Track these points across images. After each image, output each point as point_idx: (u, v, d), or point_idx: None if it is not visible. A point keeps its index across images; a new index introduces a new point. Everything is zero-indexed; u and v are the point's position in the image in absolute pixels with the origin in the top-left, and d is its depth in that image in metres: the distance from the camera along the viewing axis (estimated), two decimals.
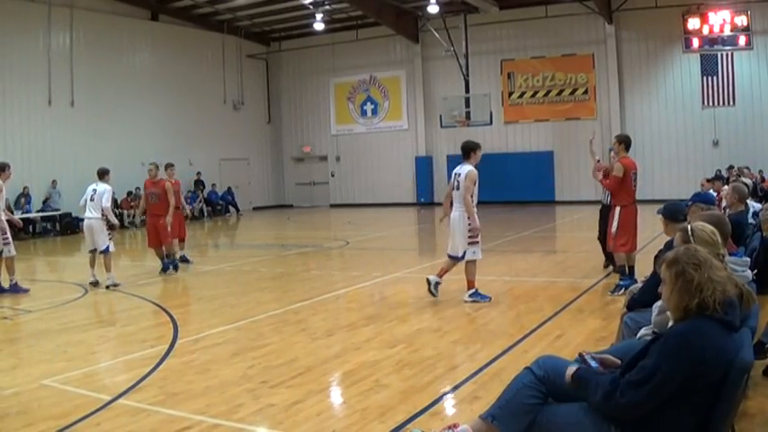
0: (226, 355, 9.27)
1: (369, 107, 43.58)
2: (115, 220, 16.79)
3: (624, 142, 13.32)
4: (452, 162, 39.31)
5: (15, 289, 15.08)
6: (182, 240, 19.37)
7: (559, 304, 11.71)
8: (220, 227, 34.18)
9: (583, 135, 36.04)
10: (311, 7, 37.53)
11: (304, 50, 44.68)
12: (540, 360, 4.97)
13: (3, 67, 30.82)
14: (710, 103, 34.43)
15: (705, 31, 34.01)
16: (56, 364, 9.02)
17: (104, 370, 8.81)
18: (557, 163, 37.61)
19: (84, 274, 16.45)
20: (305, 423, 6.64)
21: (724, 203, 12.35)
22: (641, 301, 6.80)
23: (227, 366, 8.66)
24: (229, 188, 41.42)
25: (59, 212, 31.78)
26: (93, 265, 16.04)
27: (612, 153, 13.92)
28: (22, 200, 30.27)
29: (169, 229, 17.43)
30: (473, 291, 12.36)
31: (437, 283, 12.81)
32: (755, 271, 6.53)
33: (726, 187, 14.35)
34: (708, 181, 19.97)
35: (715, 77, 34.20)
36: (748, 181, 18.85)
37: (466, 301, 12.29)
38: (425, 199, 41.01)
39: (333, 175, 44.83)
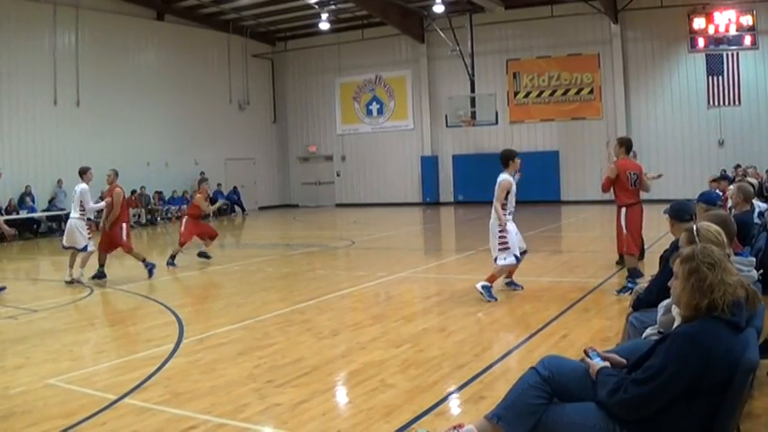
0: (231, 354, 9.28)
1: (374, 107, 43.55)
2: (98, 206, 16.78)
3: (625, 144, 13.40)
4: (458, 162, 39.52)
5: None
6: (212, 238, 19.90)
7: (565, 304, 11.70)
8: (226, 226, 34.17)
9: (588, 135, 36.12)
10: (317, 7, 37.52)
11: (309, 50, 44.70)
12: (546, 360, 4.97)
13: (8, 66, 30.85)
14: (716, 103, 34.37)
15: (711, 30, 33.94)
16: (61, 363, 9.04)
17: (110, 369, 8.80)
18: (562, 163, 37.57)
19: (89, 274, 16.48)
20: (310, 422, 6.64)
21: (729, 203, 12.35)
22: (647, 301, 6.81)
23: (233, 366, 8.67)
24: (235, 188, 41.43)
25: (65, 212, 31.77)
26: (71, 264, 16.05)
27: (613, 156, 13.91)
28: (27, 199, 30.31)
29: (124, 236, 16.84)
30: (487, 284, 12.35)
31: (509, 283, 13.06)
32: (761, 271, 6.51)
33: (731, 187, 14.35)
34: (713, 181, 19.93)
35: (720, 77, 34.14)
36: (754, 181, 18.83)
37: (476, 287, 12.36)
38: (431, 198, 41.00)
39: (338, 175, 44.81)
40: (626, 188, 13.09)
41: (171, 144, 37.24)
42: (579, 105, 37.48)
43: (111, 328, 11.67)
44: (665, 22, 34.65)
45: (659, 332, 5.80)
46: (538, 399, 4.74)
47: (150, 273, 16.71)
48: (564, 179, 37.54)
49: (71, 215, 16.41)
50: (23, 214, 29.78)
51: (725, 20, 33.61)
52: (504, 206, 12.47)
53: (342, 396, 7.77)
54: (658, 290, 6.42)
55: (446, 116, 38.78)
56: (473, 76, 37.14)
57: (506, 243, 12.40)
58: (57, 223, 30.60)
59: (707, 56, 34.30)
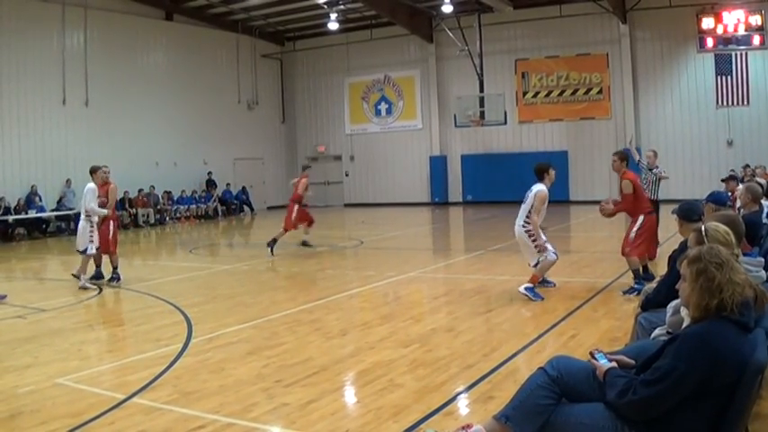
0: (240, 354, 9.29)
1: (383, 107, 43.55)
2: (101, 212, 16.29)
3: (625, 158, 13.49)
4: (466, 162, 39.51)
5: None
6: (309, 225, 21.62)
7: (574, 304, 11.69)
8: (235, 226, 34.22)
9: (597, 135, 36.08)
10: (325, 7, 37.54)
11: (318, 50, 44.69)
12: (554, 360, 4.98)
13: (17, 66, 30.92)
14: (725, 103, 34.30)
15: (719, 30, 33.84)
16: (70, 362, 9.06)
17: (118, 369, 8.82)
18: (571, 163, 37.48)
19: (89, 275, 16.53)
20: (319, 422, 6.65)
21: (738, 203, 12.35)
22: (656, 302, 6.81)
23: (242, 365, 8.68)
24: (244, 188, 41.45)
25: (73, 211, 31.85)
26: (97, 264, 16.10)
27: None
28: (36, 198, 30.37)
29: (111, 235, 16.56)
30: (529, 286, 12.40)
31: (543, 281, 13.02)
32: None
33: (740, 187, 14.34)
34: (722, 180, 19.91)
35: (729, 77, 34.07)
36: (762, 181, 18.73)
37: (519, 292, 12.37)
38: (440, 198, 40.99)
39: (347, 175, 44.81)
40: (642, 196, 13.26)
41: (180, 144, 37.28)
42: (588, 105, 37.42)
43: (119, 328, 11.69)
44: (674, 21, 34.58)
45: (668, 333, 5.80)
46: (546, 399, 4.74)
47: (115, 280, 16.16)
48: (572, 179, 37.45)
49: (81, 216, 16.34)
50: (32, 214, 29.83)
51: (733, 20, 33.52)
52: (529, 214, 12.55)
53: (350, 396, 7.78)
54: (667, 290, 6.41)
55: (455, 116, 38.80)
56: (482, 75, 37.09)
57: (541, 245, 12.45)
58: (66, 223, 30.67)
59: (716, 56, 34.23)
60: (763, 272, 6.10)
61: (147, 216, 34.26)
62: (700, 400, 4.19)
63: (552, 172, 12.85)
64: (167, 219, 35.60)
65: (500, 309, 11.77)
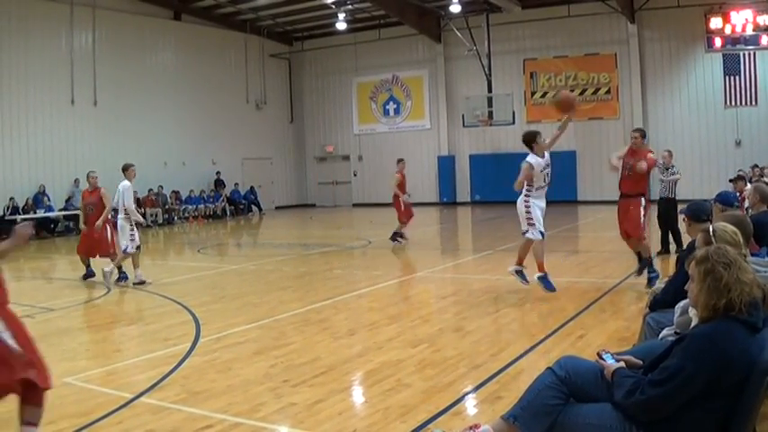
0: (248, 353, 9.30)
1: (391, 107, 43.57)
2: (138, 218, 16.69)
3: (645, 135, 13.84)
4: (475, 161, 39.49)
5: None
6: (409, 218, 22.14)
7: (582, 304, 11.68)
8: (243, 226, 34.27)
9: (606, 135, 36.00)
10: (333, 7, 37.60)
11: (327, 50, 44.73)
12: (562, 360, 4.98)
13: (26, 66, 31.01)
14: (733, 103, 34.24)
15: (727, 30, 33.77)
16: (78, 362, 9.09)
17: (126, 368, 8.85)
18: (579, 163, 37.44)
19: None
20: (327, 422, 6.66)
21: (746, 204, 12.34)
22: (664, 302, 6.79)
23: (250, 365, 8.69)
24: (252, 187, 41.50)
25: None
26: (135, 265, 16.09)
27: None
28: (44, 198, 30.46)
29: (109, 238, 16.87)
30: (541, 275, 12.45)
31: (519, 271, 12.96)
32: None
33: (748, 187, 14.33)
34: (730, 181, 19.88)
35: (737, 77, 34.01)
36: None
37: (535, 280, 12.48)
38: (448, 198, 40.98)
39: (355, 175, 44.82)
40: (644, 177, 13.34)
41: (188, 144, 37.36)
42: (596, 105, 37.36)
43: (128, 327, 11.70)
44: (682, 21, 34.53)
45: (676, 333, 5.79)
46: (554, 399, 4.74)
47: (123, 280, 16.26)
48: (581, 179, 37.44)
49: (118, 216, 16.30)
50: (41, 213, 29.90)
51: (741, 19, 33.45)
52: (530, 185, 12.54)
53: (358, 396, 7.79)
54: (675, 290, 6.40)
55: (463, 116, 38.81)
56: (490, 75, 37.15)
57: (532, 219, 12.47)
58: (74, 222, 30.73)
59: (724, 56, 34.18)
60: None
61: (156, 216, 34.33)
62: (707, 401, 4.18)
63: (540, 140, 12.80)
64: (176, 218, 35.67)
65: (508, 309, 11.78)
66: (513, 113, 36.81)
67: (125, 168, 16.56)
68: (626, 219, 13.42)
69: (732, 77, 34.12)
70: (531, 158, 12.59)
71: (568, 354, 5.68)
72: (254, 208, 40.93)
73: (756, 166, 27.26)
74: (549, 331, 9.89)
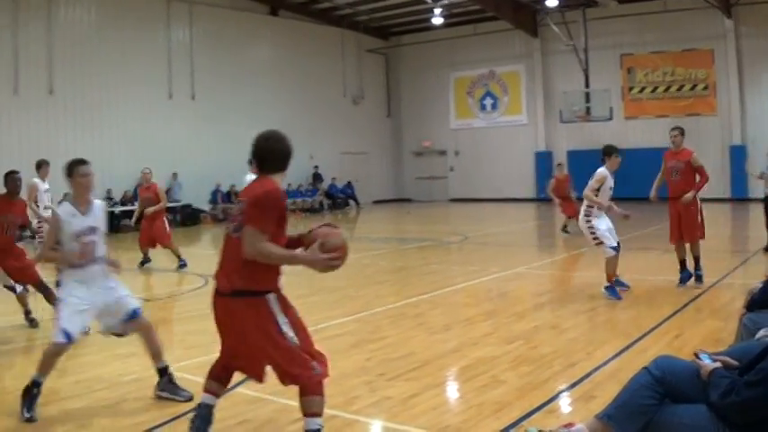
0: (344, 346, 9.38)
1: (488, 102, 43.40)
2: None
3: (684, 133, 13.76)
4: (573, 157, 39.07)
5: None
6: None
7: (678, 304, 11.52)
8: (340, 220, 34.46)
9: (703, 131, 35.30)
10: (430, 1, 37.61)
11: (423, 45, 44.72)
12: (658, 360, 4.96)
13: (124, 61, 31.69)
14: None
15: None
16: (174, 352, 9.14)
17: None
18: None
19: (204, 266, 16.77)
20: (421, 417, 6.68)
21: None
22: (761, 302, 6.70)
23: (345, 358, 8.75)
24: (349, 182, 41.72)
25: (180, 204, 32.52)
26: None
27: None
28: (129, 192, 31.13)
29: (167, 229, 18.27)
30: (608, 285, 12.31)
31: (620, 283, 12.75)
32: None
33: None
34: None
35: None
36: None
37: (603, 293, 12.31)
38: (545, 195, 40.72)
39: (452, 170, 44.75)
40: (694, 178, 13.36)
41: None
42: (694, 101, 36.66)
43: (204, 323, 11.82)
44: None
45: None
46: (649, 399, 4.73)
47: (182, 267, 17.63)
48: None
49: None
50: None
51: None
52: (590, 205, 12.54)
53: (452, 391, 7.82)
54: None
55: (560, 111, 38.44)
56: (587, 70, 36.76)
57: (598, 238, 12.39)
58: (172, 215, 31.25)
59: None
60: None
61: None
62: None
63: (614, 157, 12.83)
64: None
65: (604, 307, 11.68)
66: (611, 109, 36.32)
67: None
68: (682, 223, 13.30)
69: None
70: (605, 171, 12.52)
71: (664, 353, 5.65)
72: (351, 202, 41.16)
73: None
74: (645, 330, 9.78)
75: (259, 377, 6.07)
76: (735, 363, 4.82)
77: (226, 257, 5.84)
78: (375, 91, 45.71)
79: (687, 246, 13.30)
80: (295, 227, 6.75)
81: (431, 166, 45.67)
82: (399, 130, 47.00)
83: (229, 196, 33.65)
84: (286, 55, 39.15)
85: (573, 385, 7.49)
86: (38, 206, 15.46)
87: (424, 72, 45.49)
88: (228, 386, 6.63)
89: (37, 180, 15.78)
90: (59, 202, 7.23)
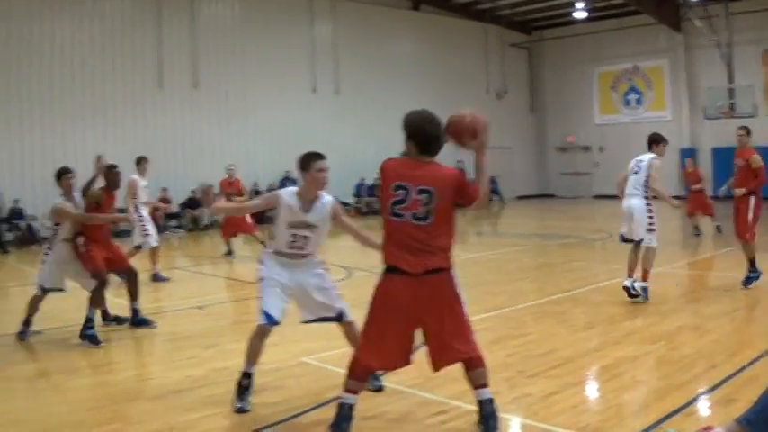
0: (485, 342, 9.33)
1: (632, 97, 42.69)
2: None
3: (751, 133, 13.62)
4: (717, 155, 38.22)
5: (157, 278, 16.38)
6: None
7: None
8: (483, 215, 34.43)
9: None
10: None
11: (566, 39, 44.21)
12: None
13: (267, 56, 32.49)
14: None
15: None
16: (316, 342, 9.34)
17: None
18: None
19: (346, 258, 17.02)
20: (560, 415, 6.75)
21: None
22: None
23: (486, 353, 8.72)
24: (493, 177, 41.58)
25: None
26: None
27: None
28: (289, 184, 31.64)
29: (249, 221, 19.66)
30: (644, 284, 12.15)
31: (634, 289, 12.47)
32: None
33: None
34: None
35: None
36: None
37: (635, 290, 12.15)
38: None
39: (596, 166, 44.20)
40: (754, 175, 13.09)
41: None
42: None
43: (365, 311, 11.99)
44: None
45: None
46: None
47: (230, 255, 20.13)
48: None
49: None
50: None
51: None
52: (647, 188, 12.54)
53: (592, 390, 7.88)
54: None
55: (704, 107, 37.67)
56: (731, 66, 35.94)
57: (654, 224, 12.49)
58: None
59: None
60: None
61: None
62: None
63: (662, 146, 12.78)
64: None
65: (747, 309, 11.57)
66: (756, 106, 35.45)
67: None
68: (736, 219, 13.18)
69: None
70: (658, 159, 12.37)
71: None
72: (494, 197, 41.09)
73: None
74: None
75: (440, 358, 6.34)
76: None
77: (407, 242, 6.07)
78: (518, 86, 45.50)
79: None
80: None
81: (575, 161, 45.26)
82: (543, 126, 46.71)
83: (373, 190, 34.01)
84: (428, 50, 39.38)
85: (713, 388, 7.42)
86: (135, 202, 16.11)
87: (568, 66, 44.99)
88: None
89: (136, 176, 16.28)
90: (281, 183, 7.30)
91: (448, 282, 6.18)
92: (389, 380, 7.67)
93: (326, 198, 7.54)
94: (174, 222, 30.52)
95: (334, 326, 7.67)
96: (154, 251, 16.39)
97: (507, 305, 12.17)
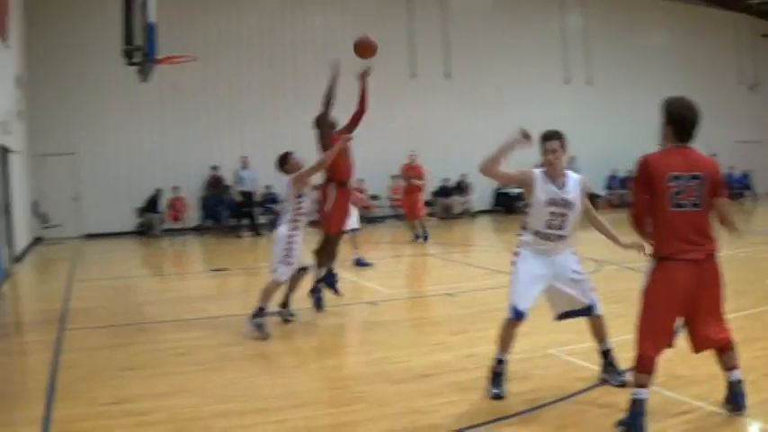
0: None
1: None
2: None
3: None
4: None
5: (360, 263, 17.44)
6: None
7: None
8: (736, 211, 33.29)
9: None
10: None
11: None
12: None
13: (519, 46, 32.76)
14: None
15: None
16: (564, 335, 9.30)
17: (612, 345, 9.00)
18: None
19: (597, 251, 16.81)
20: None
21: None
22: None
23: None
24: (745, 172, 40.17)
25: None
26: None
27: None
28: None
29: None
30: None
31: None
32: None
33: None
34: None
35: None
36: None
37: None
38: None
39: None
40: None
41: None
42: None
43: (615, 306, 11.68)
44: None
45: None
46: None
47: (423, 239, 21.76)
48: None
49: None
50: None
51: None
52: None
53: None
54: None
55: None
56: None
57: None
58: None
59: None
60: None
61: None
62: None
63: None
64: None
65: None
66: None
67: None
68: None
69: None
70: None
71: None
72: (746, 192, 39.66)
73: None
74: None
75: (705, 341, 6.63)
76: None
77: (689, 230, 6.29)
78: None
79: None
80: None
81: None
82: None
83: (624, 182, 33.55)
84: (678, 40, 38.61)
85: None
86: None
87: None
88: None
89: None
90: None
91: (719, 266, 6.46)
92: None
93: (575, 176, 7.58)
94: (426, 210, 31.09)
95: (583, 319, 7.58)
96: (353, 237, 17.34)
97: (757, 305, 11.60)
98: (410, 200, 21.97)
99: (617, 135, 33.92)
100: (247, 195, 27.19)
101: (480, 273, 16.80)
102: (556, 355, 8.67)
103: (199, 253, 24.45)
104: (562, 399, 7.11)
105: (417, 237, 21.95)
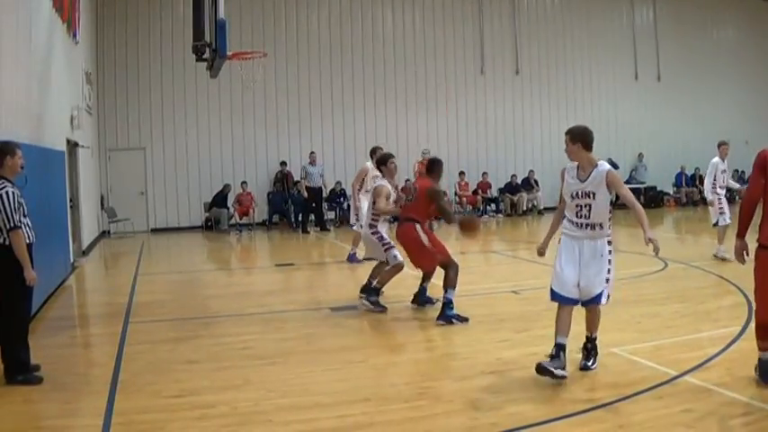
0: None
1: None
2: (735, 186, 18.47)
3: None
4: None
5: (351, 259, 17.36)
6: None
7: None
8: None
9: None
10: None
11: None
12: None
13: (588, 42, 32.49)
14: None
15: None
16: (627, 334, 9.30)
17: (673, 345, 8.88)
18: None
19: (665, 250, 16.50)
20: None
21: None
22: None
23: None
24: None
25: (644, 185, 32.39)
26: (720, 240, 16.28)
27: None
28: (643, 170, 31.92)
29: None
30: None
31: None
32: None
33: None
34: None
35: None
36: None
37: None
38: None
39: None
40: None
41: (744, 123, 35.37)
42: None
43: (680, 305, 11.55)
44: None
45: None
46: None
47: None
48: None
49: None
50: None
51: None
52: None
53: None
54: None
55: None
56: None
57: None
58: (636, 196, 31.12)
59: None
60: None
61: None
62: None
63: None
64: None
65: None
66: None
67: (720, 144, 16.73)
68: None
69: None
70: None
71: None
72: None
73: None
74: None
75: None
76: None
77: None
78: None
79: None
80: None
81: None
82: None
83: (693, 180, 33.02)
84: (751, 36, 37.61)
85: None
86: (360, 189, 16.98)
87: None
88: (675, 374, 6.88)
89: (369, 164, 16.59)
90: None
91: None
92: (697, 377, 7.46)
93: (603, 167, 7.81)
94: (492, 207, 30.98)
95: (647, 318, 7.50)
96: (358, 236, 16.94)
97: None
98: None
99: (685, 132, 33.38)
100: (315, 191, 27.20)
101: (546, 270, 16.51)
102: (619, 354, 8.48)
103: (265, 248, 24.56)
104: (624, 398, 6.93)
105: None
